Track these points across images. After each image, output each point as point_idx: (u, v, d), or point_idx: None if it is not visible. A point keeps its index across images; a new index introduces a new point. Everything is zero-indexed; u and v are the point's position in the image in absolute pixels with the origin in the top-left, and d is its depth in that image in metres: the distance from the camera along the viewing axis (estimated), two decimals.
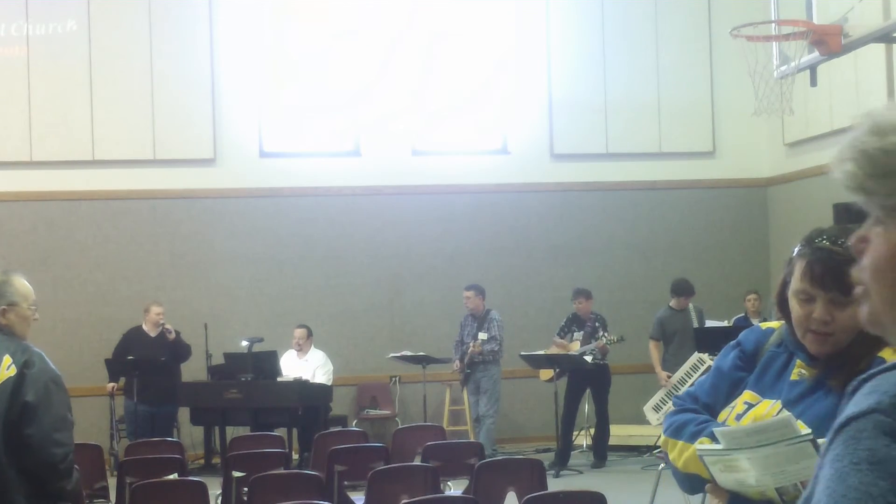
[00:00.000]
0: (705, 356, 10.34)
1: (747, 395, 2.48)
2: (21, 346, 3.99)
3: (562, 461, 10.87)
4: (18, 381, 3.88)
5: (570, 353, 11.06)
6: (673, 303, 11.21)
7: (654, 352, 11.08)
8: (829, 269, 2.30)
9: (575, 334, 11.35)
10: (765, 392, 2.45)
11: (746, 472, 2.26)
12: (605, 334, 11.12)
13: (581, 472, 10.76)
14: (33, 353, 4.00)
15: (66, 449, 4.05)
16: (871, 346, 2.27)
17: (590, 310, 11.40)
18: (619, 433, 12.06)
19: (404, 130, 12.77)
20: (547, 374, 11.35)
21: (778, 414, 2.35)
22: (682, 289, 11.19)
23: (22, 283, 4.15)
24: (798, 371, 2.42)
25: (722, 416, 2.50)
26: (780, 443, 2.18)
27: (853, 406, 1.11)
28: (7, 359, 3.89)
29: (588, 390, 11.29)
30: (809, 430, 2.19)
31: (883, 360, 2.22)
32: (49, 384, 4.01)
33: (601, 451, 11.20)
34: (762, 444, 2.20)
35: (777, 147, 13.01)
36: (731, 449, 2.26)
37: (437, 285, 12.50)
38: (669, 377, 10.77)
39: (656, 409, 10.72)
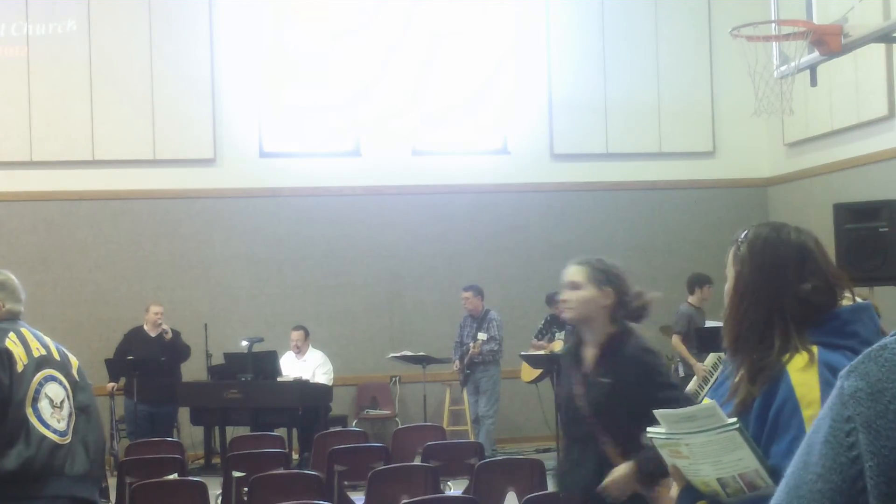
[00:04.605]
0: (723, 355, 10.27)
1: (705, 402, 2.52)
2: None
3: None
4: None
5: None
6: (693, 299, 11.05)
7: (682, 346, 10.75)
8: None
9: (556, 335, 11.36)
10: (719, 399, 2.48)
11: (687, 459, 2.31)
12: None
13: None
14: None
15: None
16: (757, 372, 2.31)
17: None
18: None
19: (404, 130, 12.77)
20: (528, 375, 11.35)
21: None
22: (702, 279, 10.99)
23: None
24: None
25: None
26: (710, 431, 2.23)
27: None
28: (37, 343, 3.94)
29: None
30: (735, 420, 2.23)
31: (783, 368, 2.26)
32: None
33: None
34: (695, 430, 2.26)
35: (777, 147, 13.01)
36: (672, 434, 2.31)
37: (437, 285, 12.49)
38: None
39: None
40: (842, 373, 1.05)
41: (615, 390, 3.83)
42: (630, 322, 3.98)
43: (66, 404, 3.72)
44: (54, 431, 3.63)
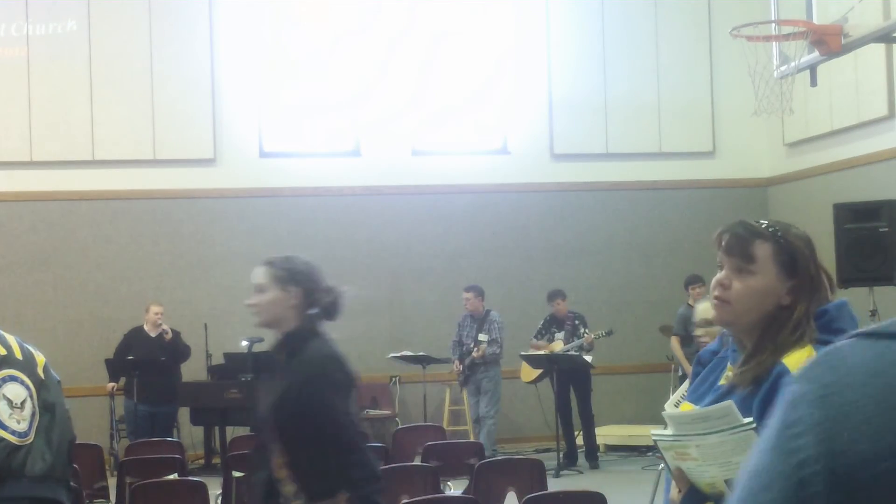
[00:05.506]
0: None
1: (684, 406, 2.55)
2: None
3: (570, 461, 10.91)
4: None
5: (568, 352, 11.07)
6: (690, 300, 11.06)
7: (678, 348, 10.81)
8: (736, 236, 2.42)
9: (556, 335, 11.38)
10: (699, 400, 2.49)
11: (695, 461, 2.27)
12: (587, 330, 11.16)
13: (581, 472, 10.77)
14: None
15: None
16: (775, 347, 2.31)
17: (566, 309, 11.43)
18: (620, 433, 12.06)
19: (404, 130, 12.77)
20: (528, 375, 11.36)
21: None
22: (690, 279, 11.05)
23: None
24: (726, 374, 2.45)
25: None
26: (723, 431, 2.20)
27: None
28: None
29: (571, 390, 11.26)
30: (751, 419, 2.20)
31: (785, 367, 2.26)
32: None
33: (591, 451, 11.20)
34: (708, 431, 2.22)
35: (777, 147, 13.01)
36: (680, 435, 2.28)
37: (437, 285, 12.50)
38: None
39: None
40: (791, 377, 1.03)
41: (285, 396, 3.68)
42: (325, 320, 3.82)
43: (27, 404, 3.68)
44: (13, 433, 3.60)
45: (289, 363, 3.76)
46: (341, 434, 3.61)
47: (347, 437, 3.63)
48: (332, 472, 3.60)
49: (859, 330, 1.01)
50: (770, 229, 2.41)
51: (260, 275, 3.85)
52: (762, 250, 2.39)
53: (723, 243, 2.44)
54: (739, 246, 2.40)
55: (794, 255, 2.37)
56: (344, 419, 3.64)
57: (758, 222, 2.45)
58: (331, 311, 3.83)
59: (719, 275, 2.43)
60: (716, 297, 2.43)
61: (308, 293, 3.79)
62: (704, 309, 4.18)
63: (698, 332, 4.12)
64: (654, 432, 2.38)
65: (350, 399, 3.73)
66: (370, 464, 3.68)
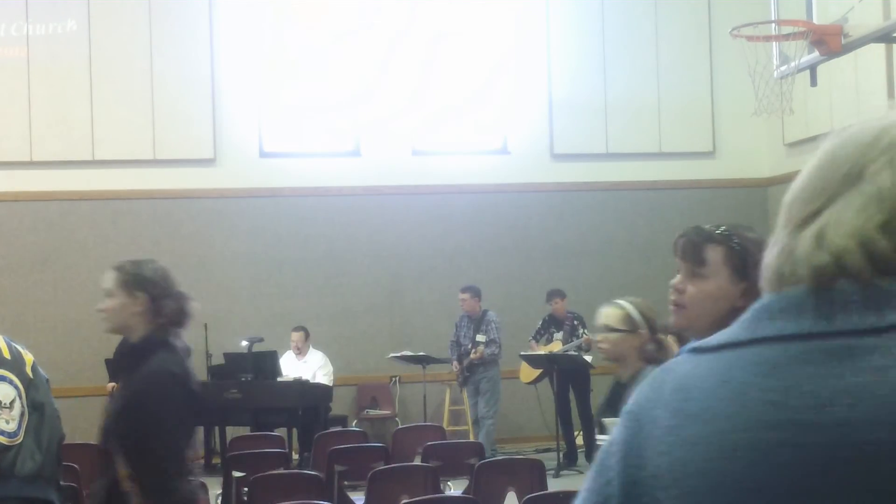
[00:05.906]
0: None
1: None
2: None
3: (570, 461, 10.92)
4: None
5: (568, 352, 11.07)
6: None
7: (674, 347, 10.86)
8: (689, 241, 2.44)
9: (555, 335, 11.38)
10: None
11: None
12: (585, 331, 11.17)
13: (581, 473, 10.77)
14: None
15: None
16: None
17: (565, 309, 11.44)
18: None
19: (404, 130, 12.77)
20: (527, 377, 11.37)
21: None
22: None
23: None
24: None
25: None
26: None
27: None
28: None
29: (571, 390, 11.28)
30: None
31: None
32: None
33: (591, 451, 11.21)
34: None
35: (777, 147, 13.01)
36: None
37: (437, 285, 12.49)
38: None
39: None
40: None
41: (123, 406, 3.68)
42: (174, 329, 3.77)
43: (16, 404, 3.67)
44: (2, 433, 3.59)
45: (133, 373, 3.72)
46: (161, 455, 3.58)
47: (167, 460, 3.59)
48: (174, 487, 3.57)
49: (689, 345, 1.01)
50: (724, 233, 2.42)
51: (108, 280, 3.76)
52: (714, 254, 2.40)
53: (677, 246, 2.45)
54: (692, 250, 2.42)
55: (745, 258, 2.38)
56: (164, 441, 3.60)
57: (713, 227, 2.46)
58: (177, 320, 3.77)
59: (675, 280, 2.45)
60: (672, 303, 2.44)
61: (154, 300, 3.72)
62: (606, 315, 4.21)
63: (598, 337, 4.15)
64: (598, 437, 2.39)
65: (185, 419, 3.71)
66: (181, 493, 3.62)
